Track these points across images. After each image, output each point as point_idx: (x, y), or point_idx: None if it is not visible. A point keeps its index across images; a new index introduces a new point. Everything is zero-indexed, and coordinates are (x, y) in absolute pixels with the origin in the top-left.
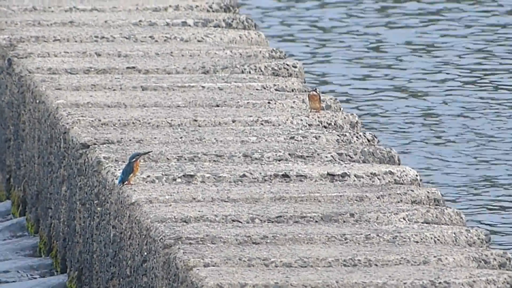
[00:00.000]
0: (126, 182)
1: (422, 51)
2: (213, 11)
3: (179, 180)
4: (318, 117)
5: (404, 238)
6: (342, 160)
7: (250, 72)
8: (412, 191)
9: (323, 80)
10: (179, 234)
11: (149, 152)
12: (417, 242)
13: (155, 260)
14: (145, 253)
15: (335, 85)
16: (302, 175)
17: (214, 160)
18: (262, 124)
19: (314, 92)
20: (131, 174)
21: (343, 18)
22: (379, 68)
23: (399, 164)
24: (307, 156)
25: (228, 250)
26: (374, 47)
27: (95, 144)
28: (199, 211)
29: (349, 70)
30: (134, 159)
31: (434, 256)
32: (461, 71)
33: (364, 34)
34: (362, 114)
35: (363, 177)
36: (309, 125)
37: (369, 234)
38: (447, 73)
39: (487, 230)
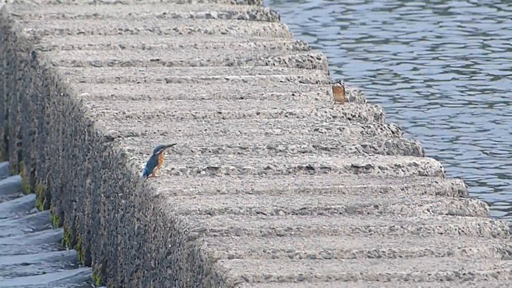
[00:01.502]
0: (151, 174)
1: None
2: (237, 3)
3: (203, 172)
4: (342, 109)
5: (428, 229)
6: (366, 152)
7: (274, 64)
8: (436, 182)
9: (347, 72)
10: (203, 226)
11: (173, 144)
12: (441, 233)
13: (179, 252)
14: (170, 246)
15: (357, 76)
16: (326, 167)
17: (238, 153)
18: (286, 116)
19: (338, 84)
20: (156, 167)
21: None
22: (404, 63)
23: (423, 156)
24: (331, 148)
25: (253, 242)
26: (399, 40)
27: (119, 136)
28: (223, 203)
29: (370, 63)
30: (158, 152)
31: (458, 248)
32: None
33: (385, 24)
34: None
35: (387, 169)
36: (333, 117)
37: (393, 226)
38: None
39: None
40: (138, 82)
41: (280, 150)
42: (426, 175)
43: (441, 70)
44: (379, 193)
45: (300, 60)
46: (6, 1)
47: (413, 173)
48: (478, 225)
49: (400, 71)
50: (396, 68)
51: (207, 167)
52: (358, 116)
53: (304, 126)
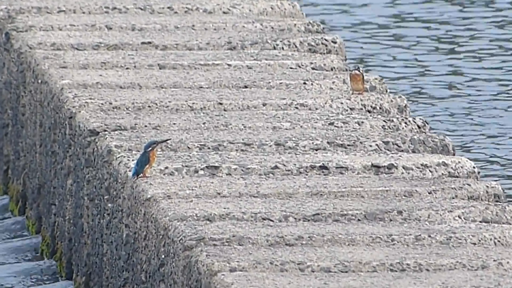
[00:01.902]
0: (141, 174)
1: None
2: None
3: (201, 172)
4: (361, 100)
5: (460, 239)
6: (388, 150)
7: (283, 48)
8: (469, 185)
9: (366, 57)
10: (201, 234)
11: (167, 140)
12: (474, 244)
13: (174, 264)
14: (163, 256)
15: (378, 62)
16: (342, 167)
17: (241, 149)
18: (296, 108)
19: (357, 71)
20: (147, 165)
21: None
22: (426, 46)
23: (453, 155)
24: (348, 145)
25: (258, 252)
26: (418, 22)
27: (105, 130)
28: (224, 208)
29: (393, 49)
30: (150, 148)
31: (494, 260)
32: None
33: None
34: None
35: (412, 169)
36: (350, 109)
37: (420, 235)
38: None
39: None
40: (127, 68)
41: (290, 147)
42: (457, 177)
43: (468, 59)
44: (403, 197)
45: (313, 43)
46: None
47: (442, 174)
48: None
49: (424, 59)
50: (422, 57)
51: (206, 166)
52: (379, 108)
53: (317, 119)
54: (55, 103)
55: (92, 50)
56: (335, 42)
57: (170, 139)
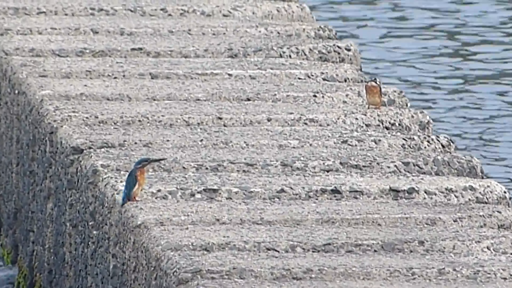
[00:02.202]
0: (131, 198)
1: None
2: None
3: (198, 195)
4: (378, 115)
5: (489, 273)
6: (409, 172)
7: (290, 56)
8: (499, 212)
9: (383, 67)
10: (198, 266)
11: (162, 159)
12: (505, 278)
13: None
14: None
15: (396, 72)
16: (357, 191)
17: (243, 170)
18: (305, 123)
19: (374, 83)
20: (135, 187)
21: None
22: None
23: (482, 178)
24: (363, 166)
25: (262, 287)
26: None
27: (90, 148)
28: (224, 237)
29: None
30: (139, 165)
31: None
32: None
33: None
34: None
35: (435, 194)
36: (366, 125)
37: (443, 268)
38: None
39: None
40: (115, 78)
41: (298, 168)
42: (486, 203)
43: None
44: (425, 226)
45: (324, 51)
46: None
47: (469, 199)
48: None
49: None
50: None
51: (204, 189)
52: (399, 124)
53: (328, 137)
54: (34, 116)
55: (75, 57)
56: (349, 50)
57: (165, 158)
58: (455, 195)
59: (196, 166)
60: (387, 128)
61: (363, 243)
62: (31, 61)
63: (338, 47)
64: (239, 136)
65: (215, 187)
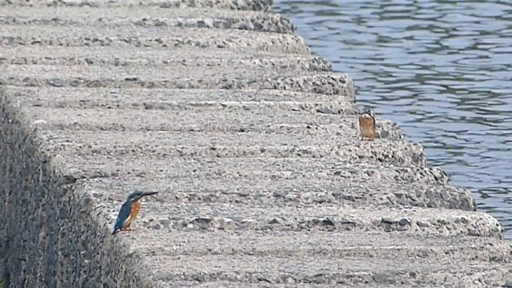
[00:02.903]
0: (123, 227)
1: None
2: (238, 9)
3: (190, 225)
4: (372, 146)
5: None
6: (401, 204)
7: (284, 88)
8: (491, 245)
9: (376, 100)
10: None
11: (154, 193)
12: None
13: None
14: None
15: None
16: (349, 222)
17: (236, 201)
18: (299, 155)
19: (367, 115)
20: (129, 217)
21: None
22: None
23: (474, 210)
24: (356, 198)
25: None
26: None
27: (83, 177)
28: (215, 267)
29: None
30: (132, 199)
31: None
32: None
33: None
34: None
35: (427, 226)
36: (359, 157)
37: None
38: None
39: None
40: (109, 107)
41: (291, 199)
42: (477, 235)
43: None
44: (417, 257)
45: (318, 82)
46: None
47: (461, 231)
48: None
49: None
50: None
51: (196, 219)
52: (392, 156)
53: (322, 168)
54: (27, 145)
55: (70, 87)
56: (343, 82)
57: (157, 192)
58: (447, 227)
59: (188, 196)
60: (380, 160)
61: (355, 274)
62: (25, 91)
63: (333, 78)
64: (232, 166)
65: (208, 217)
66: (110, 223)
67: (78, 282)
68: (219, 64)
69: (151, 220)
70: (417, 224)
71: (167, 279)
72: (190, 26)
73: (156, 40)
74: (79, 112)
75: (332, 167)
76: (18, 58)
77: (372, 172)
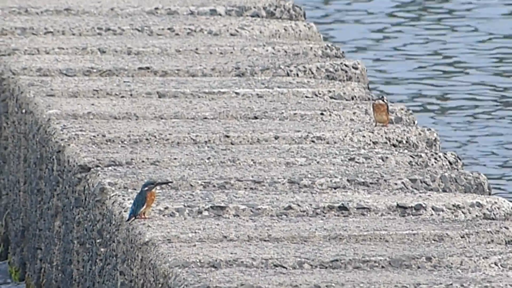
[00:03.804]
0: (138, 215)
1: None
2: None
3: (206, 213)
4: (386, 132)
5: None
6: (416, 189)
7: (297, 75)
8: (507, 228)
9: (388, 81)
10: (205, 283)
11: (168, 182)
12: None
13: None
14: None
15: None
16: (364, 208)
17: (251, 188)
18: (313, 141)
19: (381, 101)
20: (144, 206)
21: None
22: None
23: (489, 194)
24: (371, 183)
25: None
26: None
27: (97, 166)
28: (231, 253)
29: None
30: (146, 188)
31: None
32: None
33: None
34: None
35: (443, 211)
36: (373, 143)
37: (451, 284)
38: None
39: None
40: (122, 97)
41: (305, 185)
42: (493, 219)
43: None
44: (433, 242)
45: (331, 69)
46: None
47: (477, 215)
48: None
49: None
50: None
51: (211, 207)
52: (406, 142)
53: (336, 154)
54: (41, 135)
55: (83, 76)
56: (356, 68)
57: (171, 181)
58: (462, 212)
59: (203, 183)
60: (394, 145)
61: (371, 259)
62: (39, 81)
63: (346, 65)
64: (246, 154)
65: (223, 204)
66: (125, 211)
67: (94, 271)
68: (231, 52)
69: (166, 208)
70: (432, 208)
71: (183, 266)
72: (202, 15)
73: (168, 29)
74: (92, 101)
75: (346, 153)
76: (31, 49)
77: (387, 158)
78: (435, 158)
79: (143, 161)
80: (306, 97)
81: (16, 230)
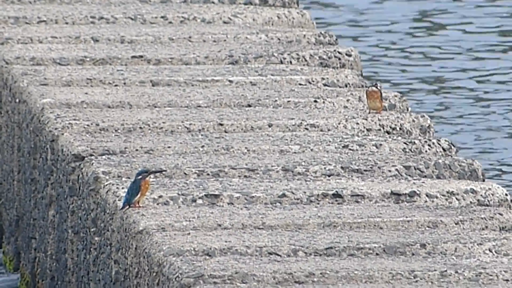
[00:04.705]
0: (132, 204)
1: None
2: None
3: (200, 201)
4: (379, 119)
5: (491, 275)
6: (410, 176)
7: (291, 62)
8: (501, 214)
9: (380, 70)
10: (200, 271)
11: (162, 171)
12: (507, 280)
13: None
14: None
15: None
16: (358, 195)
17: (245, 176)
18: (306, 129)
19: (374, 88)
20: (138, 195)
21: None
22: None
23: (483, 180)
24: (365, 170)
25: None
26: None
27: (91, 155)
28: (226, 242)
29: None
30: (140, 177)
31: None
32: None
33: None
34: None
35: (437, 197)
36: (367, 130)
37: (445, 271)
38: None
39: None
40: (116, 85)
41: (299, 173)
42: (487, 205)
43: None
44: (427, 229)
45: (324, 57)
46: None
47: (471, 202)
48: None
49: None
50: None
51: (205, 195)
52: (400, 129)
53: (329, 142)
54: (35, 124)
55: (76, 65)
56: (349, 55)
57: (165, 170)
58: (456, 198)
59: (197, 172)
60: (388, 132)
61: (365, 246)
62: (32, 70)
63: (339, 52)
64: (240, 142)
65: (217, 192)
66: (119, 200)
67: (88, 260)
68: (225, 40)
69: (160, 197)
70: (426, 195)
71: (177, 254)
72: (195, 3)
73: (161, 17)
74: (86, 90)
75: (340, 141)
76: (24, 38)
77: (380, 145)
78: (429, 145)
79: (137, 150)
80: (300, 84)
81: (10, 220)
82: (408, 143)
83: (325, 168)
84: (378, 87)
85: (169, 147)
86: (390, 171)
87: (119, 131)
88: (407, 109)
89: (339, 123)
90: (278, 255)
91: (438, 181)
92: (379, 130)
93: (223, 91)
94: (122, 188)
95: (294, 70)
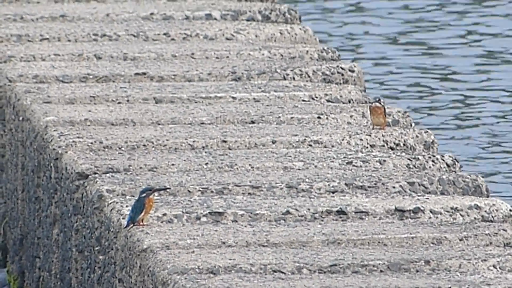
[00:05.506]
0: (136, 222)
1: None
2: (246, 1)
3: (204, 219)
4: (383, 135)
5: None
6: (414, 192)
7: (294, 78)
8: (505, 230)
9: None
10: None
11: (166, 188)
12: None
13: None
14: None
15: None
16: (362, 212)
17: (249, 193)
18: (310, 145)
19: (378, 104)
20: (142, 213)
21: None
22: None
23: (487, 196)
24: (369, 187)
25: None
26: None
27: (95, 173)
28: (230, 259)
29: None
30: (144, 195)
31: None
32: None
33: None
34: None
35: (441, 213)
36: (371, 146)
37: (450, 287)
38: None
39: None
40: (119, 103)
41: (303, 190)
42: (491, 221)
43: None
44: (431, 245)
45: (327, 72)
46: None
47: (475, 218)
48: None
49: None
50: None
51: (209, 212)
52: (403, 144)
53: (333, 158)
54: (39, 142)
55: (79, 83)
56: (352, 71)
57: (169, 188)
58: (460, 214)
59: (201, 189)
60: (392, 148)
61: (369, 263)
62: (35, 88)
63: (342, 68)
64: (244, 159)
65: (221, 210)
66: (123, 218)
67: (93, 278)
68: (227, 57)
69: (164, 215)
70: (431, 211)
71: (182, 273)
72: (197, 19)
73: (164, 34)
74: (89, 108)
75: (344, 157)
76: (26, 56)
77: (384, 161)
78: (433, 161)
79: (140, 168)
80: (303, 100)
81: (15, 239)
82: (412, 159)
83: (329, 184)
84: (382, 103)
85: (173, 164)
86: (394, 187)
87: (123, 148)
88: (411, 125)
89: (342, 139)
90: (282, 272)
91: (442, 197)
92: (383, 146)
93: (227, 108)
94: (126, 206)
95: (297, 86)
